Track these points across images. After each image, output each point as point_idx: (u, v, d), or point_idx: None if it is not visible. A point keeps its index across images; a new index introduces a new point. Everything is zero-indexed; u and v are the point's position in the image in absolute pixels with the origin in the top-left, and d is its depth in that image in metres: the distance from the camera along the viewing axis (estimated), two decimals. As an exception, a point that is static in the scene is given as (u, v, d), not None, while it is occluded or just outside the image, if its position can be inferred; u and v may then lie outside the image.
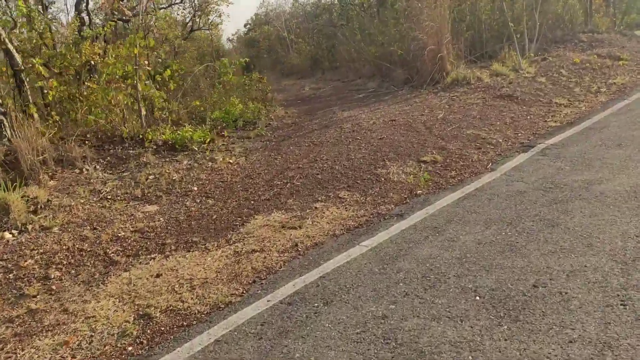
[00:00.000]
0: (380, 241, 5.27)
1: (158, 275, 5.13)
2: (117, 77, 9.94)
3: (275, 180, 7.79)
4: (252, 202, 7.06)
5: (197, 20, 27.36)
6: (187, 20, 27.83)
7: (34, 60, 9.76)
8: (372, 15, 23.64)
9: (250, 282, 4.81)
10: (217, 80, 13.02)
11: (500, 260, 4.42)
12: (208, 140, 10.39)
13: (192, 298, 4.59)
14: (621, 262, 4.11)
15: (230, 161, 9.21)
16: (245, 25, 56.41)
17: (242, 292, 4.62)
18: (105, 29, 11.80)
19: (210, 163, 9.09)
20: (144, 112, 10.34)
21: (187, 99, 13.15)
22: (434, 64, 15.08)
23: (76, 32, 12.44)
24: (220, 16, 29.68)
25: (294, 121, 12.75)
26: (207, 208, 7.02)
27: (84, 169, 8.96)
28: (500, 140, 8.73)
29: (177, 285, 4.86)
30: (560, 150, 7.68)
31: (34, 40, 11.24)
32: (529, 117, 10.03)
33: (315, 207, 6.59)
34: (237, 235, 5.99)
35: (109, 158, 9.34)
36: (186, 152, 9.86)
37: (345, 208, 6.46)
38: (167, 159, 9.36)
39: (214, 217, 6.67)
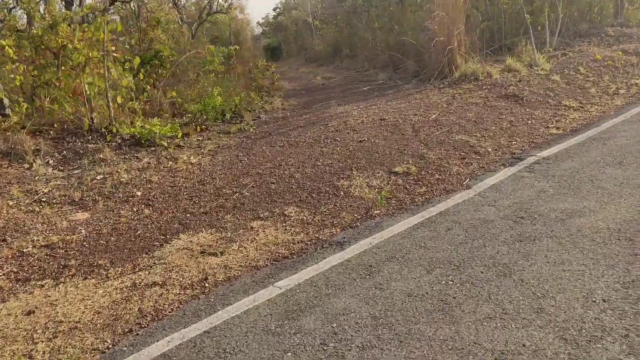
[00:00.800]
0: (299, 281, 4.27)
1: (30, 312, 4.22)
2: (81, 63, 8.94)
3: (225, 189, 6.82)
4: (188, 215, 6.11)
5: (215, 3, 26.14)
6: (205, 2, 26.66)
7: (2, 42, 8.86)
8: (396, 1, 22.23)
9: (127, 331, 3.86)
10: (201, 70, 11.92)
11: (423, 325, 3.37)
12: (180, 135, 9.39)
13: (43, 353, 3.62)
14: (572, 342, 3.04)
15: (193, 161, 8.27)
16: (274, 9, 55.60)
17: (107, 347, 3.66)
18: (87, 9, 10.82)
19: (170, 163, 8.17)
20: (111, 103, 9.36)
21: (175, 88, 12.16)
22: (443, 57, 13.78)
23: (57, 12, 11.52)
24: (238, -1, 28.47)
25: (285, 115, 11.78)
26: (138, 220, 6.11)
27: (33, 164, 8.06)
28: (490, 150, 7.59)
29: (40, 330, 3.94)
30: (551, 166, 6.54)
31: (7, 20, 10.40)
32: (530, 121, 8.85)
33: (252, 227, 5.61)
34: (148, 259, 5.05)
35: (65, 152, 8.50)
36: (153, 148, 8.92)
37: (285, 229, 5.45)
38: (127, 156, 8.47)
39: (138, 232, 5.73)
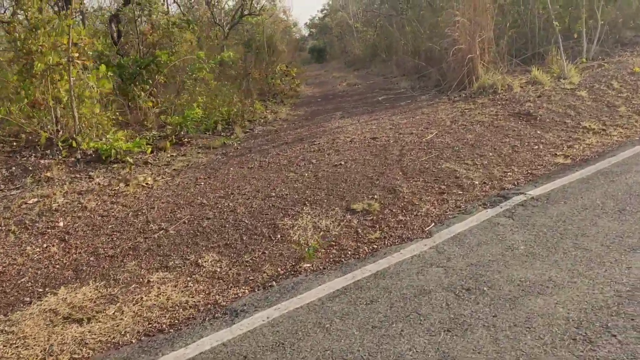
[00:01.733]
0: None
1: None
2: (41, 70, 8.09)
3: (154, 224, 5.84)
4: (93, 258, 5.20)
5: (247, 4, 25.24)
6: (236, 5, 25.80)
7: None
8: (432, 2, 20.81)
9: None
10: (187, 77, 10.95)
11: None
12: (149, 150, 8.43)
13: None
14: None
15: (149, 182, 7.31)
16: (321, 11, 54.63)
17: None
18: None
19: (121, 185, 7.19)
20: (77, 114, 8.49)
21: (165, 97, 11.24)
22: (463, 66, 12.43)
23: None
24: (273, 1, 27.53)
25: (282, 127, 10.72)
26: (37, 261, 5.21)
27: (-25, 183, 7.24)
28: (477, 183, 6.35)
29: None
30: (536, 211, 5.32)
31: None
32: (537, 146, 7.57)
33: (149, 281, 4.56)
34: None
35: (13, 168, 7.60)
36: (115, 165, 8.00)
37: (187, 286, 4.40)
38: (79, 175, 7.59)
39: (23, 279, 4.81)
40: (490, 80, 11.70)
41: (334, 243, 5.07)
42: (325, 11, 52.01)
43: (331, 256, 4.83)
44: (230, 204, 6.24)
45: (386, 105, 12.34)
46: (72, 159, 8.15)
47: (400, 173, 6.89)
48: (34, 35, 8.95)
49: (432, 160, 7.32)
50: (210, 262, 4.86)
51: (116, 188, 7.15)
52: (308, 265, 4.67)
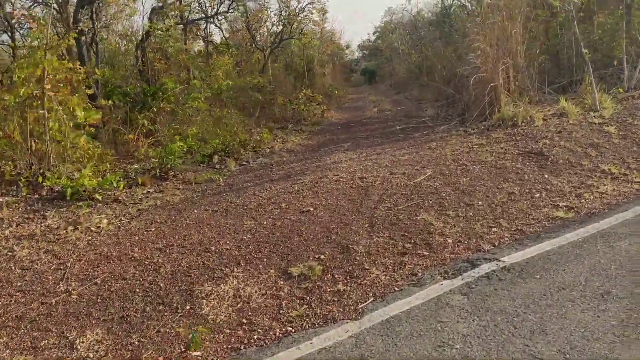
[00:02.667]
0: None
1: None
2: (11, 102, 7.49)
3: (63, 284, 5.14)
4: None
5: (286, 29, 24.63)
6: (277, 29, 25.23)
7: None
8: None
9: None
10: (179, 108, 10.19)
11: None
12: (122, 186, 7.68)
13: None
14: None
15: (98, 227, 6.51)
16: (374, 33, 53.79)
17: None
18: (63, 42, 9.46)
19: (69, 229, 6.43)
20: (50, 148, 7.84)
21: (168, 126, 10.52)
22: (485, 96, 11.25)
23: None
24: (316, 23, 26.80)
25: (278, 161, 9.86)
26: None
27: None
28: (450, 241, 5.28)
29: None
30: (501, 287, 4.29)
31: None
32: (539, 194, 6.44)
33: (4, 367, 3.66)
34: None
35: (-32, 207, 6.97)
36: (81, 203, 7.27)
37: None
38: (31, 216, 6.88)
39: None
40: (510, 111, 10.44)
41: (245, 321, 4.07)
42: (377, 33, 51.15)
43: (232, 341, 3.84)
44: (160, 260, 5.35)
45: (399, 137, 11.29)
46: (37, 196, 7.43)
47: (367, 225, 5.84)
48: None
49: (410, 209, 6.24)
50: (89, 343, 3.95)
51: (62, 232, 6.37)
52: (198, 354, 3.67)
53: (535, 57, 12.60)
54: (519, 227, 5.60)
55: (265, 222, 6.29)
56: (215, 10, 19.75)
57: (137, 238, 6.12)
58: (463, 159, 8.22)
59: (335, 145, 11.32)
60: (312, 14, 25.93)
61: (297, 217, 6.35)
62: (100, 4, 12.32)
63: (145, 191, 8.13)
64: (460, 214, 6.04)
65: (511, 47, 11.95)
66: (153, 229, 6.41)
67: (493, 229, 5.61)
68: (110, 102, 10.21)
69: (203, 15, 19.31)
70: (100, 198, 7.64)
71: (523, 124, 10.24)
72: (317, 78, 26.38)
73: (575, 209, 6.03)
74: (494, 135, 9.57)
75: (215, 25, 25.13)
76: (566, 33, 13.81)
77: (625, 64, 12.45)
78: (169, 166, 8.69)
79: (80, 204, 7.46)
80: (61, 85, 8.24)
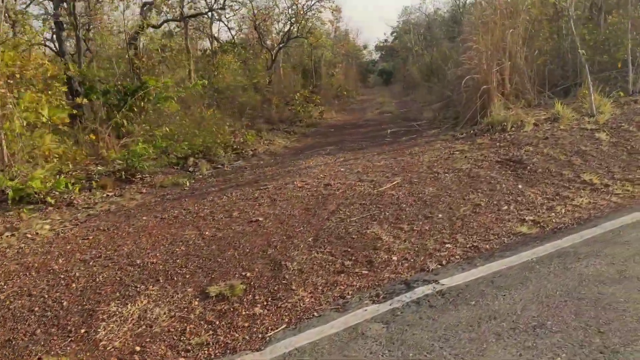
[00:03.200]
0: None
1: None
2: None
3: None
4: None
5: (294, 28, 24.17)
6: (285, 28, 24.78)
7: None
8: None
9: None
10: (151, 108, 9.78)
11: None
12: (77, 189, 7.32)
13: None
14: None
15: (36, 233, 6.12)
16: (392, 33, 53.08)
17: None
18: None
19: (5, 235, 6.06)
20: (2, 148, 7.50)
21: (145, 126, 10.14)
22: (476, 99, 10.70)
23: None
24: (324, 23, 26.26)
25: (255, 164, 9.46)
26: None
27: None
28: (395, 259, 4.82)
29: None
30: (427, 316, 3.86)
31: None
32: (507, 207, 5.95)
33: None
34: None
35: None
36: (32, 206, 6.92)
37: None
38: (-26, 220, 6.47)
39: None
40: (501, 116, 9.86)
41: (139, 348, 3.63)
42: (395, 34, 50.46)
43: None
44: (77, 274, 4.96)
45: (386, 141, 10.79)
46: (-16, 198, 7.09)
47: (311, 239, 5.38)
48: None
49: (363, 221, 5.76)
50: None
51: (-4, 240, 5.98)
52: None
53: (535, 59, 11.91)
54: (475, 244, 5.08)
55: (207, 233, 5.86)
56: (214, 4, 19.09)
57: (69, 247, 5.73)
58: (438, 166, 7.70)
59: (320, 148, 10.86)
60: (320, 12, 25.38)
61: (243, 228, 5.90)
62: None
63: (104, 195, 7.75)
64: (415, 228, 5.53)
65: (510, 48, 11.34)
66: (90, 237, 6.02)
67: (446, 245, 5.10)
68: (85, 100, 9.81)
69: (204, 10, 18.67)
70: (52, 202, 7.24)
71: (513, 129, 9.64)
72: (326, 78, 25.85)
73: (541, 223, 5.49)
74: (479, 141, 9.02)
75: (224, 24, 24.74)
76: (572, 33, 13.11)
77: (630, 66, 11.74)
78: (135, 168, 8.25)
79: (31, 207, 7.04)
80: (22, 81, 7.82)
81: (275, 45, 25.25)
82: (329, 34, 39.26)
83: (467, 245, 5.07)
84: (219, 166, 9.53)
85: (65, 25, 11.60)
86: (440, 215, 5.85)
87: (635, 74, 11.88)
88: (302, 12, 24.27)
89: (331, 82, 26.20)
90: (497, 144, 8.61)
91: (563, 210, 5.80)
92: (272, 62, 24.28)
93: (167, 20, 15.06)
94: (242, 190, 7.60)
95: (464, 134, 10.16)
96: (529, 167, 7.23)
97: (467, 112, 11.00)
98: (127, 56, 11.57)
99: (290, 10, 24.36)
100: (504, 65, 10.94)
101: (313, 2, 24.54)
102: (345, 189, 7.07)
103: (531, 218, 5.66)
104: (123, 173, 8.34)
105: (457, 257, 4.84)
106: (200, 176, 8.94)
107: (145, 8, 14.86)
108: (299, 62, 25.21)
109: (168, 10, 14.62)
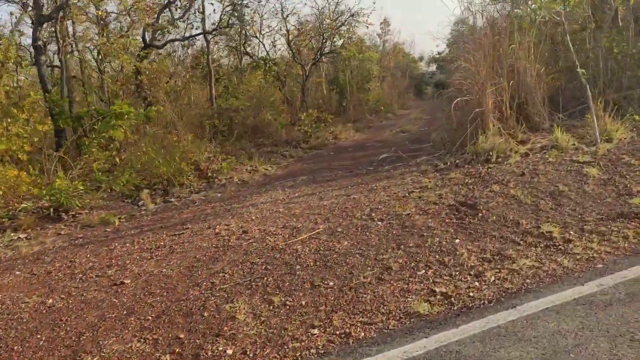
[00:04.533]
0: None
1: None
2: None
3: None
4: None
5: (328, 43, 23.21)
6: (319, 44, 23.91)
7: None
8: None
9: None
10: (98, 136, 8.91)
11: None
12: None
13: None
14: None
15: None
16: (447, 45, 51.09)
17: None
18: None
19: None
20: None
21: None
22: (467, 123, 9.35)
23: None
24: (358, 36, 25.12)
25: (212, 198, 8.54)
26: None
27: None
28: (230, 353, 3.70)
29: None
30: None
31: None
32: (425, 271, 4.85)
33: None
34: None
35: None
36: None
37: None
38: None
39: None
40: (487, 144, 8.41)
41: None
42: (452, 43, 48.44)
43: None
44: None
45: (364, 171, 9.54)
46: None
47: (151, 317, 4.36)
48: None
49: (233, 290, 4.63)
50: None
51: None
52: None
53: (544, 77, 10.32)
54: (347, 330, 3.83)
55: (50, 300, 4.89)
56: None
57: None
58: (380, 210, 6.43)
59: (293, 178, 9.70)
60: (355, 27, 24.31)
61: (94, 295, 4.89)
62: (70, 21, 11.23)
63: (16, 237, 6.87)
64: (288, 302, 4.32)
65: (517, 65, 9.85)
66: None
67: (312, 331, 3.88)
68: (45, 127, 9.07)
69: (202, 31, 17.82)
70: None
71: (500, 159, 8.15)
72: (361, 93, 24.63)
73: (453, 298, 4.18)
74: (451, 175, 7.66)
75: (259, 41, 24.18)
76: (591, 48, 11.40)
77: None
78: (64, 205, 7.36)
79: None
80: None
81: (310, 60, 24.34)
82: (377, 47, 37.95)
83: (337, 332, 3.84)
84: (171, 200, 8.50)
85: (44, 49, 10.95)
86: (332, 283, 4.59)
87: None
88: (333, 27, 23.26)
89: (367, 97, 24.90)
90: (467, 180, 7.18)
91: (493, 278, 4.44)
92: (306, 78, 23.39)
93: (171, 41, 14.29)
94: (156, 234, 6.59)
95: (448, 163, 8.72)
96: (480, 215, 5.84)
97: (459, 138, 9.56)
98: (101, 79, 10.77)
99: (321, 26, 23.39)
100: (501, 85, 9.40)
101: (345, 18, 23.52)
102: (257, 238, 5.92)
103: (444, 290, 4.33)
104: (51, 210, 7.43)
105: (311, 351, 3.55)
106: (144, 211, 7.95)
107: (145, 29, 14.16)
108: (336, 77, 24.11)
109: (170, 30, 13.78)
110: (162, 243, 6.22)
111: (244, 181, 9.88)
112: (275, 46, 25.86)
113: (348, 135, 16.49)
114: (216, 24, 16.67)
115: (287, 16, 21.97)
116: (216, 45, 23.71)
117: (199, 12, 14.40)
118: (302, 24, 23.94)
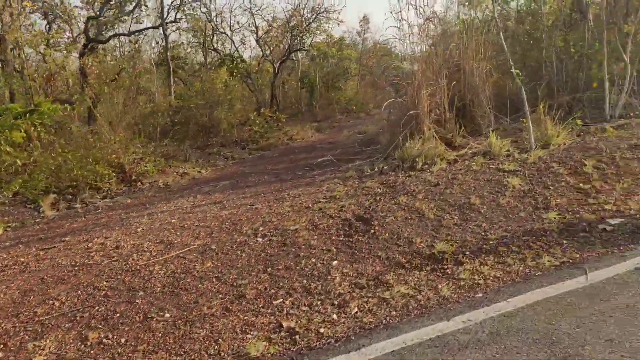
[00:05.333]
0: None
1: None
2: None
3: None
4: None
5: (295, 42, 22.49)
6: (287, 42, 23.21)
7: None
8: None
9: None
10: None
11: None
12: None
13: None
14: None
15: None
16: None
17: None
18: None
19: None
20: None
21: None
22: (399, 126, 8.67)
23: None
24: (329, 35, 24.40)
25: (109, 205, 7.62)
26: None
27: None
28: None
29: None
30: None
31: None
32: (282, 300, 4.19)
33: None
34: None
35: None
36: None
37: None
38: None
39: None
40: (415, 149, 7.69)
41: None
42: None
43: None
44: None
45: (295, 174, 8.81)
46: None
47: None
48: None
49: (55, 322, 3.84)
50: None
51: None
52: None
53: (487, 78, 9.62)
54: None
55: None
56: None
57: None
58: (271, 224, 5.75)
59: (215, 182, 8.96)
60: (327, 23, 23.61)
61: None
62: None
63: None
64: (105, 340, 3.66)
65: (464, 64, 9.18)
66: None
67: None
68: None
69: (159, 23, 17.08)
70: None
71: (426, 166, 7.44)
72: (333, 92, 23.89)
73: (298, 335, 3.74)
74: (368, 184, 6.97)
75: (228, 37, 23.58)
76: (544, 47, 10.73)
77: (606, 88, 9.29)
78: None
79: None
80: None
81: (279, 58, 23.69)
82: (356, 45, 37.09)
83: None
84: (75, 206, 7.74)
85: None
86: (168, 315, 3.87)
87: (616, 94, 9.44)
88: (300, 25, 22.59)
89: (339, 96, 24.17)
90: (378, 189, 6.47)
91: (355, 310, 3.89)
92: (275, 76, 22.75)
93: (115, 35, 13.49)
94: (27, 248, 6.06)
95: (375, 169, 8.01)
96: (372, 231, 5.12)
97: (391, 142, 8.86)
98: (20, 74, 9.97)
99: (289, 23, 22.73)
100: (438, 87, 8.69)
101: (314, 16, 22.87)
102: (123, 256, 5.23)
103: (292, 325, 3.65)
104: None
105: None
106: (40, 219, 7.20)
107: (89, 24, 13.37)
108: (306, 75, 23.39)
109: (116, 25, 12.98)
110: (22, 259, 5.48)
111: (167, 185, 9.13)
112: (244, 43, 25.12)
113: (305, 135, 15.76)
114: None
115: (255, 11, 21.27)
116: (181, 42, 23.07)
117: (144, 5, 13.59)
118: (272, 20, 23.21)
